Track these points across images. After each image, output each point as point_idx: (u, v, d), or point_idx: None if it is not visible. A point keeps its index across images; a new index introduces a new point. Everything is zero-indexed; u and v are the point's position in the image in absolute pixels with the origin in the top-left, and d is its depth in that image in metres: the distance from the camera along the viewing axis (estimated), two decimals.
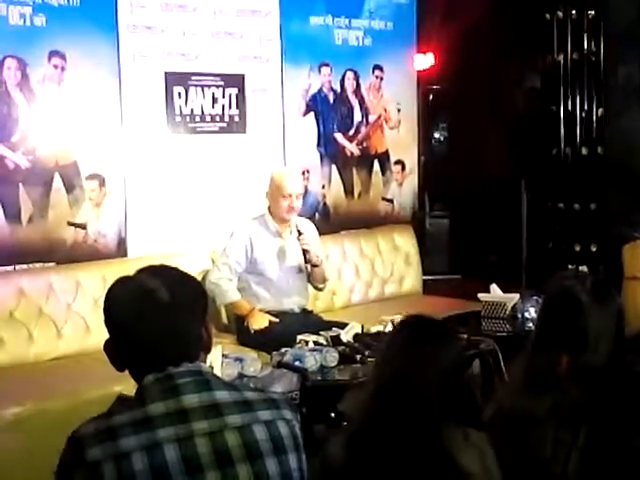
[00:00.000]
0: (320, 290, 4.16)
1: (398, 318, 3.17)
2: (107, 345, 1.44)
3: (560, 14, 5.51)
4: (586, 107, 5.51)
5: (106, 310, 1.44)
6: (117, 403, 1.65)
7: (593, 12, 5.40)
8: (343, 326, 3.40)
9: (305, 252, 3.81)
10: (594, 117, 5.49)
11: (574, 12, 5.46)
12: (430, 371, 1.52)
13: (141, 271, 1.46)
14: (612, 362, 1.64)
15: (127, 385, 1.48)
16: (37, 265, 3.80)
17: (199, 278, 3.96)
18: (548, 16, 5.56)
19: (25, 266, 3.77)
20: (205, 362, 1.46)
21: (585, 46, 5.45)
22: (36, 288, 3.66)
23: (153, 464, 1.29)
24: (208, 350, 1.47)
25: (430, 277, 5.52)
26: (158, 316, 1.39)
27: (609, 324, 1.66)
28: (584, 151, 5.55)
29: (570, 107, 5.56)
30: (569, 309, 1.67)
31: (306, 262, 3.86)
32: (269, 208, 3.93)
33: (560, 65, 5.55)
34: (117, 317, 1.42)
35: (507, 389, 1.75)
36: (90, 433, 1.32)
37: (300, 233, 3.80)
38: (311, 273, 3.95)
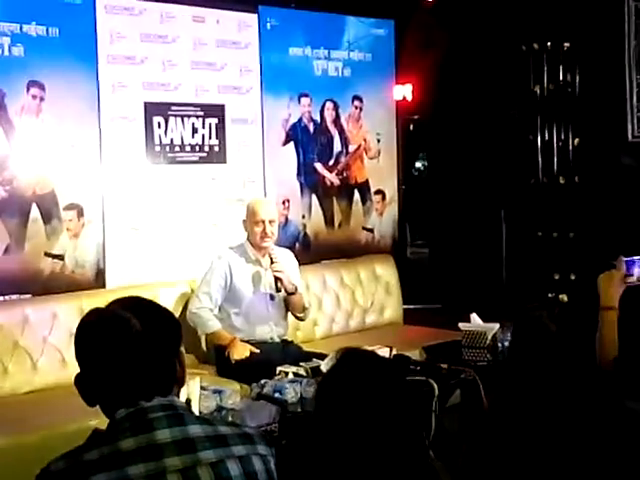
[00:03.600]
0: (301, 320, 4.13)
1: (378, 348, 3.16)
2: (78, 379, 1.42)
3: (536, 46, 5.61)
4: (562, 137, 5.59)
5: (77, 343, 1.42)
6: (92, 437, 1.61)
7: (568, 44, 5.50)
8: (323, 357, 3.38)
9: (277, 280, 3.80)
10: (570, 147, 5.57)
11: (549, 44, 5.56)
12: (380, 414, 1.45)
13: (113, 303, 1.44)
14: (585, 388, 1.64)
15: (103, 419, 1.45)
16: (13, 297, 3.75)
17: (179, 308, 3.94)
18: (524, 48, 5.65)
19: (0, 298, 3.72)
20: (179, 396, 1.44)
21: (561, 77, 5.54)
22: (11, 320, 3.60)
23: None
24: (181, 383, 1.45)
25: (410, 306, 5.52)
26: (130, 349, 1.37)
27: (577, 352, 1.67)
28: (561, 180, 5.61)
29: (547, 137, 5.64)
30: (538, 338, 1.68)
31: (278, 290, 3.84)
32: (248, 236, 3.93)
33: (537, 96, 5.63)
34: (88, 350, 1.40)
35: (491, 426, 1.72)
36: (59, 470, 1.29)
37: (272, 261, 3.79)
38: (288, 302, 3.92)
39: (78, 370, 1.43)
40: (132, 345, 1.37)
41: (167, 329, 1.43)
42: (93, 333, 1.39)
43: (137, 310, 1.41)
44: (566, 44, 5.50)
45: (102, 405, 1.41)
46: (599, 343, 2.01)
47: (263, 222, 3.79)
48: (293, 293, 3.87)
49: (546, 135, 5.62)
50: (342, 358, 1.52)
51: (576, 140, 5.53)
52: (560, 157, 5.61)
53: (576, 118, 5.52)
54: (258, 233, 3.80)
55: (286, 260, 3.97)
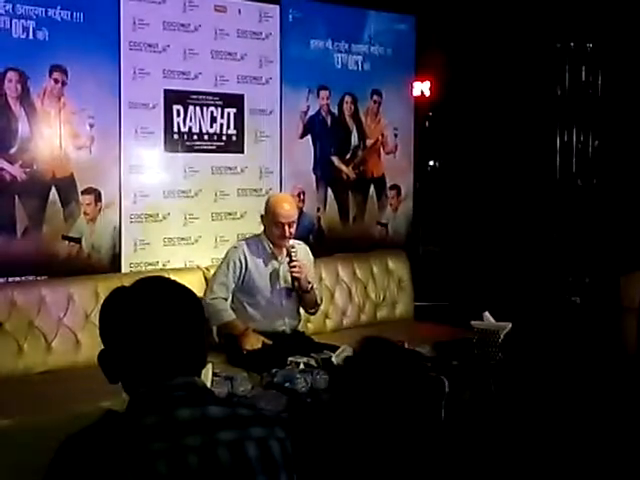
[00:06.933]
0: (312, 314, 4.15)
1: None
2: (101, 356, 1.43)
3: (558, 46, 5.58)
4: (582, 138, 5.56)
5: (103, 320, 1.43)
6: (106, 418, 1.63)
7: (591, 45, 5.47)
8: (334, 348, 3.39)
9: (295, 279, 3.81)
10: (590, 149, 5.54)
11: (572, 44, 5.53)
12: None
13: (139, 282, 1.46)
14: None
15: (116, 401, 1.46)
16: (29, 278, 3.79)
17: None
18: (546, 48, 5.62)
19: (17, 278, 3.76)
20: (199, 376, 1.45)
21: (583, 78, 5.51)
22: (27, 301, 3.64)
23: (142, 478, 1.28)
24: (203, 364, 1.46)
25: (421, 303, 5.51)
26: (156, 327, 1.38)
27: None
28: (579, 182, 5.58)
29: (566, 138, 5.61)
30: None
31: (294, 289, 3.86)
32: (265, 230, 3.92)
33: (557, 96, 5.60)
34: (114, 327, 1.41)
35: None
36: (79, 446, 1.31)
37: (291, 260, 3.79)
38: (302, 299, 3.94)
39: (92, 352, 1.44)
40: (159, 325, 1.38)
41: (192, 308, 1.44)
42: (120, 312, 1.41)
43: (163, 290, 1.43)
44: (589, 45, 5.47)
45: (124, 382, 1.42)
46: (623, 336, 2.01)
47: (282, 225, 3.77)
48: (308, 292, 3.88)
49: (565, 136, 5.60)
50: (365, 344, 1.54)
51: (596, 142, 5.50)
52: (579, 159, 5.58)
53: (597, 120, 5.49)
54: (277, 233, 3.79)
55: (303, 255, 3.97)
